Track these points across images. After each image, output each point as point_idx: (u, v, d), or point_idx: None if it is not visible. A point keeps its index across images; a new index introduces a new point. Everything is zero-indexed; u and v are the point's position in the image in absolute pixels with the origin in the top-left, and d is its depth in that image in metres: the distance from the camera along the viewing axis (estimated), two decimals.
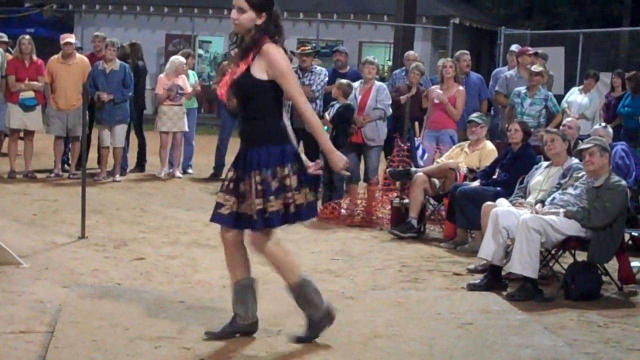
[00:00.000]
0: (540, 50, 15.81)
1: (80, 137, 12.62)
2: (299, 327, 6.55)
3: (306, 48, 12.61)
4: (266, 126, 6.01)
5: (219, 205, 6.10)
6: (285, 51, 6.12)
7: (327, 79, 12.68)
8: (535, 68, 13.10)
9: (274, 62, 5.93)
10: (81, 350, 5.87)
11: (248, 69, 5.99)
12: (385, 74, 26.15)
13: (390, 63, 26.83)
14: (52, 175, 14.49)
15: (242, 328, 6.26)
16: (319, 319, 6.23)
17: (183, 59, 15.23)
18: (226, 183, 6.11)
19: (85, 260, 8.82)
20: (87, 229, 9.96)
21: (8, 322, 6.55)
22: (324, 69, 12.95)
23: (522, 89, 12.94)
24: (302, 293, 6.20)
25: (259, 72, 5.96)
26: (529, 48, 15.36)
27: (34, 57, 14.40)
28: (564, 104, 15.66)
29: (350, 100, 12.07)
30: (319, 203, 12.31)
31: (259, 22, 5.99)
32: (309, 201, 6.09)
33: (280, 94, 6.06)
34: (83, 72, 14.31)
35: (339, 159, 6.08)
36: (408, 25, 23.72)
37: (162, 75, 15.29)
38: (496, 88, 14.59)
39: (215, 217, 6.14)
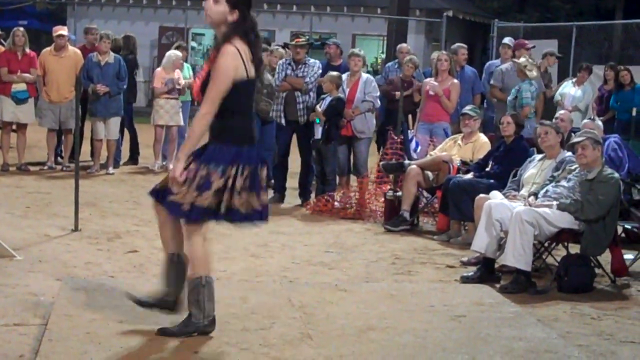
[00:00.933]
0: (550, 48, 15.90)
1: (73, 129, 12.60)
2: (292, 320, 6.56)
3: (300, 40, 12.59)
4: (227, 124, 5.95)
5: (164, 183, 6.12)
6: (259, 56, 6.06)
7: (320, 71, 12.66)
8: (520, 60, 13.20)
9: (219, 62, 5.87)
10: (74, 343, 5.87)
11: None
12: (379, 66, 26.14)
13: (383, 56, 26.82)
14: (45, 167, 14.48)
15: (199, 328, 6.17)
16: (196, 324, 6.11)
17: (179, 53, 15.24)
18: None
19: (78, 253, 8.81)
20: (81, 222, 9.94)
21: (1, 314, 6.54)
22: (317, 61, 12.94)
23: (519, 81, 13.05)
24: (196, 291, 6.07)
25: None
26: (526, 41, 15.34)
27: (27, 50, 14.36)
28: (557, 96, 15.67)
29: (339, 94, 12.08)
30: (312, 195, 12.37)
31: (230, 18, 5.94)
32: (248, 206, 5.98)
33: (242, 93, 5.97)
34: (76, 65, 14.30)
35: (176, 171, 5.89)
36: (401, 18, 23.71)
37: (159, 69, 15.29)
38: (491, 82, 14.60)
39: (152, 191, 6.21)
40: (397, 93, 13.40)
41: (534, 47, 14.74)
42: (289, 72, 12.39)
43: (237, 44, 5.92)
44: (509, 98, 13.02)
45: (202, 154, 5.99)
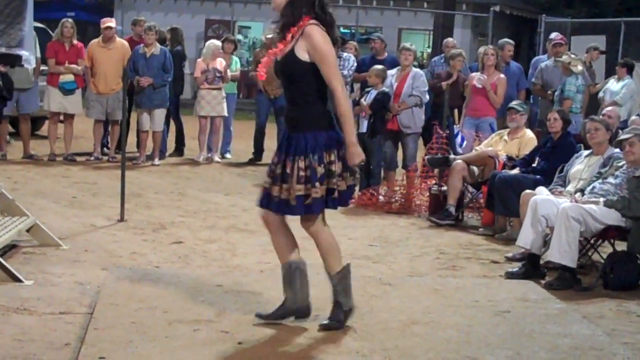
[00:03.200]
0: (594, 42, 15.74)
1: (120, 121, 12.68)
2: None
3: None
4: (312, 111, 5.95)
5: (264, 190, 6.08)
6: (334, 35, 6.03)
7: (355, 65, 12.68)
8: (563, 57, 13.16)
9: (316, 45, 5.84)
10: (120, 332, 5.91)
11: (292, 50, 5.92)
12: (425, 61, 26.08)
13: (429, 50, 26.75)
14: (92, 158, 14.60)
15: (291, 311, 6.24)
16: (349, 308, 6.24)
17: (219, 43, 15.29)
18: (271, 168, 6.06)
19: (124, 243, 8.88)
20: (126, 212, 10.02)
21: (48, 303, 6.62)
22: (351, 55, 12.95)
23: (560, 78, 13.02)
24: (344, 282, 6.19)
25: (302, 53, 5.89)
26: (559, 38, 15.08)
27: (74, 41, 14.48)
28: (601, 93, 15.56)
29: (387, 87, 12.04)
30: (357, 189, 12.35)
31: None
32: (349, 186, 6.07)
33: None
34: (123, 56, 14.40)
35: (357, 154, 5.94)
36: (448, 13, 23.60)
37: (199, 60, 15.35)
38: (532, 79, 14.52)
39: (260, 201, 6.13)
40: (443, 83, 13.34)
41: (561, 41, 14.54)
42: None
43: (314, 24, 5.91)
44: (556, 93, 12.95)
45: (288, 146, 5.96)
